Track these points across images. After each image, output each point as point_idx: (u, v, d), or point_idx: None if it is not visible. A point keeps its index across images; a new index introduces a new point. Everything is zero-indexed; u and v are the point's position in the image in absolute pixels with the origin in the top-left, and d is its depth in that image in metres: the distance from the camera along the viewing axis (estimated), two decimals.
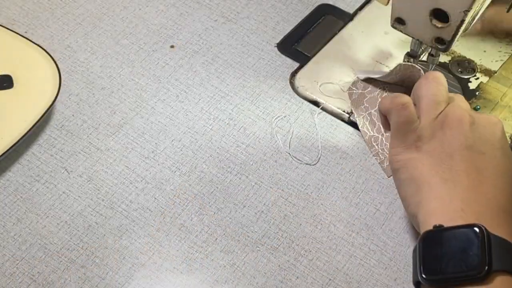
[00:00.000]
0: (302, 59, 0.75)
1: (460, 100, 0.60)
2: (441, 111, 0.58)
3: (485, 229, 0.50)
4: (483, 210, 0.53)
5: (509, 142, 0.67)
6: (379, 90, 0.70)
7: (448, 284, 0.50)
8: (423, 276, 0.51)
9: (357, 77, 0.71)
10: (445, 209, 0.54)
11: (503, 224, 0.53)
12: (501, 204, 0.54)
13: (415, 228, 0.62)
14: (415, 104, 0.61)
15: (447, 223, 0.52)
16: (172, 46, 0.75)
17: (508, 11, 0.66)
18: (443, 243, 0.51)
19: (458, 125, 0.57)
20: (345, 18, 0.79)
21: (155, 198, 0.64)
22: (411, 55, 0.68)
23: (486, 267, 0.49)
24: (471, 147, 0.56)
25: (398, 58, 0.74)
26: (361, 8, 0.80)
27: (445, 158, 0.56)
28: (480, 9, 0.62)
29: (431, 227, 0.53)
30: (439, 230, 0.52)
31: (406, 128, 0.59)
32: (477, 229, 0.50)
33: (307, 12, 0.79)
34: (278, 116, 0.70)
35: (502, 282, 0.49)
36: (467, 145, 0.56)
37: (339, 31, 0.77)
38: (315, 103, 0.71)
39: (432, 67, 0.69)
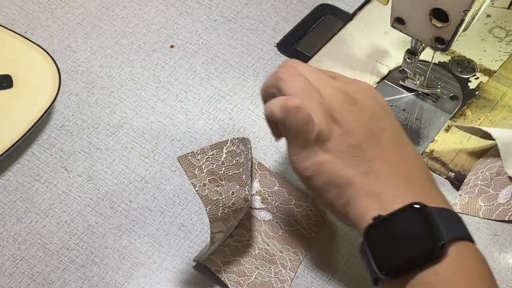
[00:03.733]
0: (302, 59, 0.74)
1: (318, 75, 0.55)
2: (322, 103, 0.53)
3: (423, 205, 0.49)
4: (413, 188, 0.51)
5: None
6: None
7: (406, 270, 0.48)
8: (379, 268, 0.49)
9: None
10: (378, 201, 0.51)
11: (436, 193, 0.52)
12: (425, 174, 0.53)
13: None
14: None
15: (384, 214, 0.50)
16: (171, 46, 0.75)
17: (509, 7, 0.66)
18: (389, 231, 0.49)
19: (348, 114, 0.53)
20: (345, 18, 0.79)
21: (154, 197, 0.64)
22: (412, 52, 0.68)
23: (441, 242, 0.47)
24: (372, 130, 0.53)
25: (397, 57, 0.74)
26: (361, 8, 0.80)
27: (354, 151, 0.52)
28: (480, 9, 0.62)
29: (370, 222, 0.50)
30: (379, 221, 0.50)
31: (306, 130, 0.52)
32: (416, 206, 0.49)
33: (307, 12, 0.79)
34: None
35: (458, 250, 0.48)
36: (368, 130, 0.53)
37: (339, 31, 0.77)
38: None
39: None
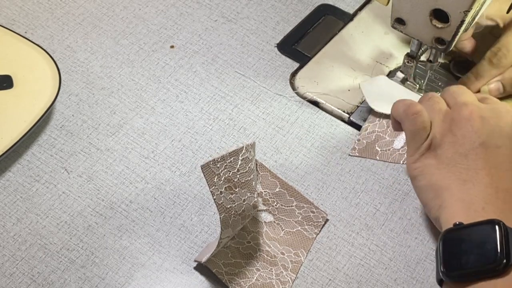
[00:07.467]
0: (302, 59, 0.75)
1: (464, 95, 0.60)
2: (448, 114, 0.59)
3: (503, 223, 0.51)
4: (505, 207, 0.53)
5: None
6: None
7: (469, 278, 0.51)
8: (444, 271, 0.52)
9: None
10: (466, 209, 0.54)
11: None
12: None
13: (414, 228, 0.62)
14: None
15: (468, 222, 0.53)
16: (172, 46, 0.75)
17: (508, 12, 0.66)
18: (463, 239, 0.52)
19: (466, 124, 0.57)
20: (345, 18, 0.79)
21: (155, 198, 0.64)
22: (411, 56, 0.68)
23: (505, 260, 0.49)
24: (484, 143, 0.56)
25: (398, 58, 0.74)
26: (361, 8, 0.80)
27: (460, 159, 0.56)
28: (480, 9, 0.62)
29: (450, 227, 0.53)
30: (459, 227, 0.53)
31: (420, 136, 0.59)
32: (495, 224, 0.51)
33: (307, 12, 0.79)
34: (278, 116, 0.70)
35: None
36: (480, 142, 0.56)
37: (339, 31, 0.77)
38: (315, 103, 0.71)
39: (429, 73, 0.70)
